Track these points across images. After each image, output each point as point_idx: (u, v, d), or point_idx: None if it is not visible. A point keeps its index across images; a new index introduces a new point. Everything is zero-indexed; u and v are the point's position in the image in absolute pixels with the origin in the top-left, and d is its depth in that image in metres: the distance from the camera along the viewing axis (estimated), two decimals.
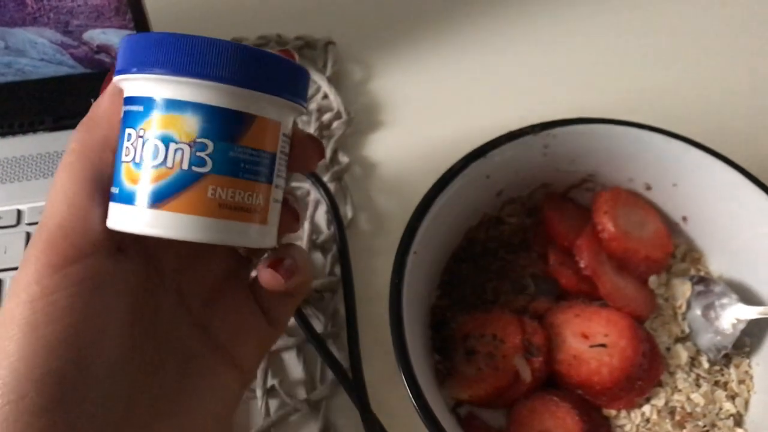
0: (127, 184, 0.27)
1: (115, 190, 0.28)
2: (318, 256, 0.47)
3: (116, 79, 0.29)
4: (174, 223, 0.27)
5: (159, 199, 0.27)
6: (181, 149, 0.27)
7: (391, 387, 0.40)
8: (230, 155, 0.28)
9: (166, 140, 0.27)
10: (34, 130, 0.49)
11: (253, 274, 0.35)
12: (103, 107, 0.30)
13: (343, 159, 0.51)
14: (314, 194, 0.48)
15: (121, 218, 0.28)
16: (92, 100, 0.31)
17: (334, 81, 0.55)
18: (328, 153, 0.51)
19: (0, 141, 0.48)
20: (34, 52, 0.46)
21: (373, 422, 0.39)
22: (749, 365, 0.39)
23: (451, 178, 0.39)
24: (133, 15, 0.44)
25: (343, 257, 0.45)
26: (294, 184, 0.49)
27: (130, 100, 0.28)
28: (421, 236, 0.38)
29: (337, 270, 0.46)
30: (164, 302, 0.32)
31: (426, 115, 0.54)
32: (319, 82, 0.54)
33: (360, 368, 0.40)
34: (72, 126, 0.49)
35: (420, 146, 0.52)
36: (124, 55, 0.28)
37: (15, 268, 0.29)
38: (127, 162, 0.28)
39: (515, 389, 0.37)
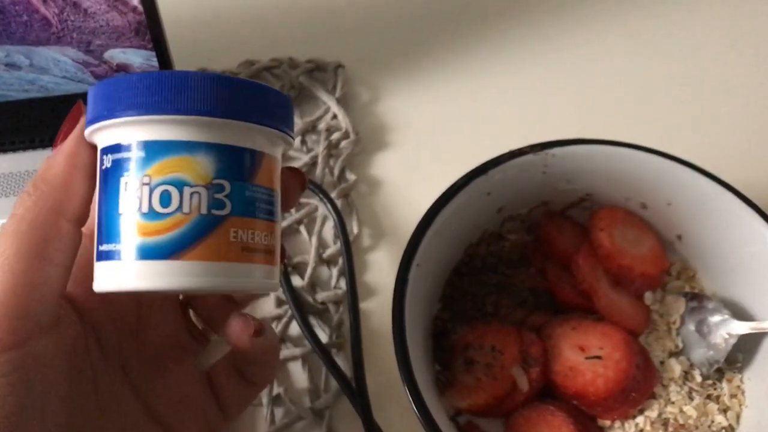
0: (132, 238, 0.25)
1: (111, 247, 0.25)
2: (324, 270, 0.48)
3: (98, 125, 0.26)
4: (198, 272, 0.25)
5: (179, 248, 0.25)
6: (198, 192, 0.25)
7: (393, 396, 0.41)
8: (247, 195, 0.26)
9: (179, 184, 0.25)
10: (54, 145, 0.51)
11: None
12: (56, 168, 0.27)
13: (350, 177, 0.52)
14: (322, 210, 0.50)
15: (129, 277, 0.25)
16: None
17: (343, 102, 0.57)
18: (336, 171, 0.52)
19: (22, 155, 0.50)
20: (57, 69, 0.48)
21: (376, 430, 0.39)
22: (741, 380, 0.40)
23: (454, 193, 0.40)
24: (152, 36, 0.46)
25: (349, 271, 0.46)
26: (302, 200, 0.51)
27: (120, 148, 0.25)
28: (424, 249, 0.39)
29: (342, 283, 0.47)
30: (105, 374, 0.30)
31: (430, 136, 0.56)
32: (329, 103, 0.56)
33: (363, 378, 0.41)
34: None
35: (424, 166, 0.53)
36: (109, 99, 0.25)
37: None
38: (130, 214, 0.25)
39: (513, 399, 0.39)
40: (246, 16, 0.65)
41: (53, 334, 0.27)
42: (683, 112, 0.57)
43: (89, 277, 0.28)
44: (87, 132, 0.27)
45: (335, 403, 0.42)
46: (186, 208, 0.25)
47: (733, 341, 0.39)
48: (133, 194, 0.25)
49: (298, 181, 0.31)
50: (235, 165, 0.26)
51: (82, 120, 0.28)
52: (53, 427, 0.26)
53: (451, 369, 0.41)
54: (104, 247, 0.26)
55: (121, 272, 0.25)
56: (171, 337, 0.34)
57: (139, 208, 0.25)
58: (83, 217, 0.28)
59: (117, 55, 0.47)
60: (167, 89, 0.25)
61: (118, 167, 0.25)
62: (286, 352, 0.44)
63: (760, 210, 0.39)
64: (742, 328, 0.39)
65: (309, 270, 0.47)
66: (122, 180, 0.25)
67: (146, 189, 0.25)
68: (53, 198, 0.27)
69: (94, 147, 0.28)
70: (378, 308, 0.46)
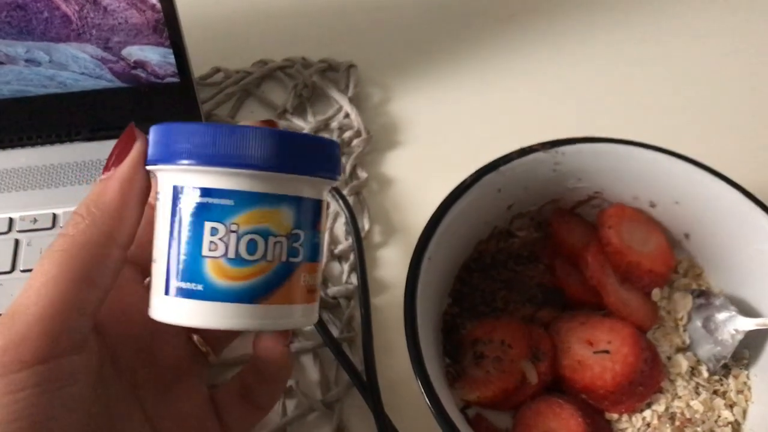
0: (217, 280, 0.27)
1: (191, 286, 0.27)
2: (336, 266, 0.49)
3: (183, 167, 0.27)
4: (277, 315, 0.27)
5: (263, 293, 0.27)
6: (280, 242, 0.27)
7: (402, 389, 0.42)
8: (314, 242, 0.29)
9: (265, 234, 0.27)
10: (72, 140, 0.52)
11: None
12: (111, 195, 0.28)
13: (362, 174, 0.53)
14: (334, 206, 0.51)
15: (215, 316, 0.27)
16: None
17: (355, 102, 0.58)
18: (348, 168, 0.53)
19: (40, 149, 0.51)
20: (76, 66, 0.49)
21: (386, 423, 0.40)
22: (748, 376, 0.41)
23: (465, 189, 0.41)
24: (169, 34, 0.47)
25: (360, 266, 0.46)
26: None
27: (208, 193, 0.27)
28: (435, 243, 0.39)
29: (354, 278, 0.48)
30: (118, 392, 0.31)
31: (440, 136, 0.56)
32: (341, 102, 0.57)
33: (374, 371, 0.42)
34: (107, 137, 0.52)
35: (434, 165, 0.54)
36: (202, 144, 0.26)
37: None
38: (216, 258, 0.27)
39: (521, 392, 0.39)
40: (260, 17, 0.66)
41: (82, 352, 0.27)
42: (692, 111, 0.58)
43: (114, 298, 0.29)
44: (160, 166, 0.27)
45: (346, 395, 0.43)
46: (270, 257, 0.27)
47: (739, 337, 0.40)
48: (219, 239, 0.26)
49: None
50: (308, 216, 0.28)
51: (138, 145, 0.29)
52: None
53: (460, 362, 0.41)
54: (183, 285, 0.27)
55: (206, 311, 0.27)
56: (179, 360, 0.34)
57: (226, 254, 0.26)
58: (131, 242, 0.29)
59: (135, 52, 0.48)
60: (266, 147, 0.26)
61: (203, 210, 0.27)
62: (297, 345, 0.45)
63: (767, 208, 0.40)
64: (748, 324, 0.40)
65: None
66: (207, 224, 0.27)
67: (234, 236, 0.26)
68: (106, 224, 0.27)
69: (147, 173, 0.29)
70: (388, 303, 0.46)
